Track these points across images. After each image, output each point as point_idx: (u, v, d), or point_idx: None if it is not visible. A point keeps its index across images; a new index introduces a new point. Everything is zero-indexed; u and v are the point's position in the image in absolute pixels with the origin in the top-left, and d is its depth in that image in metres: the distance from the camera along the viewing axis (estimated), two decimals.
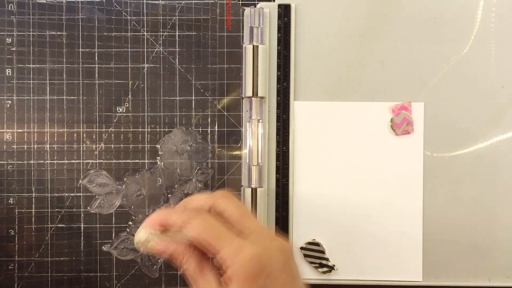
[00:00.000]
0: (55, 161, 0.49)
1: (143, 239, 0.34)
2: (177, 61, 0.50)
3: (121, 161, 0.50)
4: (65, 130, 0.50)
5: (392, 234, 0.49)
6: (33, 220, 0.49)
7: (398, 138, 0.50)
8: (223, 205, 0.34)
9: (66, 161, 0.50)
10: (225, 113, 0.50)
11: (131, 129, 0.50)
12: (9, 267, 0.49)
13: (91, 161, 0.50)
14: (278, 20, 0.50)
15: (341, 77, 0.50)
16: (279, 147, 0.50)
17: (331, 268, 0.49)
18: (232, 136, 0.50)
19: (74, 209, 0.49)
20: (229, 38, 0.50)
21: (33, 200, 0.49)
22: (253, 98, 0.49)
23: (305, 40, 0.50)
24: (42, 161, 0.49)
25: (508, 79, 0.50)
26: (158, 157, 0.50)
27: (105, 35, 0.50)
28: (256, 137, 0.49)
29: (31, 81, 0.49)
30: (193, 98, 0.50)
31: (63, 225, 0.49)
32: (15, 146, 0.49)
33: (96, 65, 0.50)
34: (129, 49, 0.50)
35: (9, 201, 0.49)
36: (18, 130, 0.49)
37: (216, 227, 0.32)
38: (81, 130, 0.50)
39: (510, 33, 0.50)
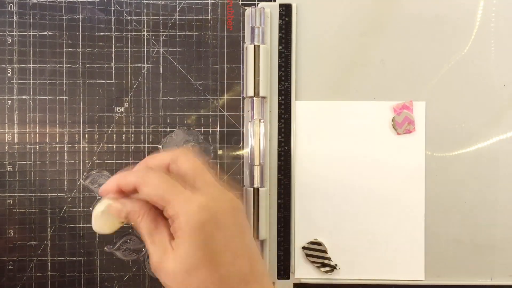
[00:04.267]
0: (56, 161, 0.49)
1: (102, 209, 0.33)
2: (177, 61, 0.50)
3: (122, 161, 0.50)
4: (65, 130, 0.49)
5: (394, 233, 0.49)
6: (33, 220, 0.49)
7: (399, 138, 0.50)
8: (180, 162, 0.34)
9: (67, 162, 0.49)
10: (226, 113, 0.50)
11: (132, 129, 0.50)
12: (9, 267, 0.49)
13: (92, 161, 0.49)
14: (279, 20, 0.50)
15: (342, 76, 0.50)
16: (280, 146, 0.50)
17: (333, 268, 0.49)
18: (233, 136, 0.50)
19: (74, 209, 0.49)
20: (229, 38, 0.50)
21: (34, 200, 0.49)
22: (254, 98, 0.49)
23: (306, 39, 0.50)
24: (42, 162, 0.49)
25: (509, 77, 0.50)
26: None
27: (106, 35, 0.50)
28: (258, 137, 0.49)
29: (32, 81, 0.49)
30: (194, 98, 0.50)
31: (64, 225, 0.49)
32: (15, 147, 0.49)
33: (97, 65, 0.50)
34: (129, 49, 0.50)
35: (9, 201, 0.49)
36: (18, 131, 0.49)
37: (169, 182, 0.32)
38: (81, 130, 0.50)
39: (510, 32, 0.50)
